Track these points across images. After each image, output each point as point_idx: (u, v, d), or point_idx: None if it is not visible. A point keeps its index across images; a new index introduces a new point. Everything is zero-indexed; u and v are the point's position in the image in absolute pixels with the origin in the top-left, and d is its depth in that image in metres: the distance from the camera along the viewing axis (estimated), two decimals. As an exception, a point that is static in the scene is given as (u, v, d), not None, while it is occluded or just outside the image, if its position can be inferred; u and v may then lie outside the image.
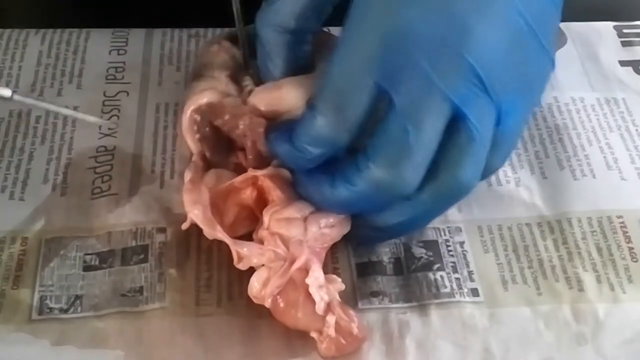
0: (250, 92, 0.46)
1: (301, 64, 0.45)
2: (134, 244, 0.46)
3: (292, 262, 0.42)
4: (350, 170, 0.41)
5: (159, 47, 0.57)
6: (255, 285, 0.42)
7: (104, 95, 0.53)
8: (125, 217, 0.47)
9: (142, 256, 0.46)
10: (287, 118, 0.44)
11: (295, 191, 0.44)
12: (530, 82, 0.42)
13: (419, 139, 0.40)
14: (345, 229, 0.44)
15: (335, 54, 0.41)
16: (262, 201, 0.44)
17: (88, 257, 0.46)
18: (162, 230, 0.47)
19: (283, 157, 0.43)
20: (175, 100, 0.53)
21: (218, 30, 0.58)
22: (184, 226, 0.44)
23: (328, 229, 0.44)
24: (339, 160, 0.42)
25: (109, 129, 0.51)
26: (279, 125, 0.43)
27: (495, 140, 0.42)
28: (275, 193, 0.43)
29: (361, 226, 0.44)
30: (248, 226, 0.45)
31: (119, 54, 0.56)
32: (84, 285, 0.45)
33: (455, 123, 0.40)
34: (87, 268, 0.45)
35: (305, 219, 0.43)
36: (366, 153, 0.40)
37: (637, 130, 0.53)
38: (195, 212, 0.44)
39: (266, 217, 0.43)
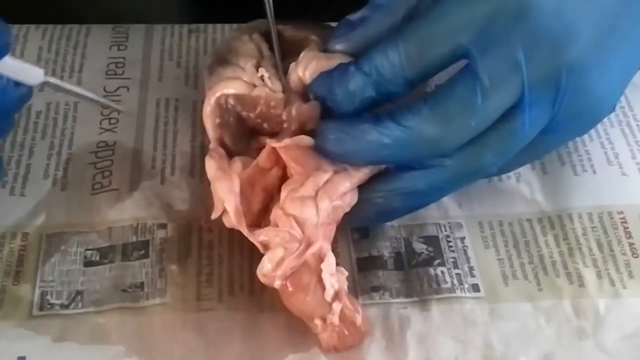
0: (270, 78, 0.45)
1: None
2: (134, 239, 0.46)
3: (308, 245, 0.42)
4: (401, 111, 0.41)
5: (160, 43, 0.57)
6: (267, 266, 0.42)
7: (104, 90, 0.53)
8: (125, 213, 0.47)
9: (142, 252, 0.46)
10: None
11: (313, 162, 0.43)
12: (593, 112, 0.44)
13: (483, 108, 0.40)
14: (354, 198, 0.44)
15: (441, 2, 0.41)
16: (282, 185, 0.44)
17: (89, 253, 0.46)
18: (163, 226, 0.47)
19: (335, 96, 0.42)
20: (176, 95, 0.53)
21: (219, 27, 0.58)
22: (214, 215, 0.43)
23: (339, 200, 0.43)
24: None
25: (110, 124, 0.51)
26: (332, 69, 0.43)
27: (531, 145, 0.43)
28: (293, 167, 0.43)
29: (368, 200, 0.44)
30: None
31: (119, 50, 0.56)
32: (84, 281, 0.45)
33: (514, 110, 0.41)
34: (88, 263, 0.45)
35: (316, 196, 0.42)
36: (425, 100, 0.41)
37: (638, 125, 0.53)
38: (231, 201, 0.43)
39: (283, 193, 0.43)
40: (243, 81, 0.45)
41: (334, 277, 0.42)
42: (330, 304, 0.42)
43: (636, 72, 0.46)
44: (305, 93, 0.44)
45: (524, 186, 0.50)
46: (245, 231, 0.43)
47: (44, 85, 0.43)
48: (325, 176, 0.43)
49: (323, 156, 0.43)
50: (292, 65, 0.45)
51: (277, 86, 0.44)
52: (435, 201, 0.46)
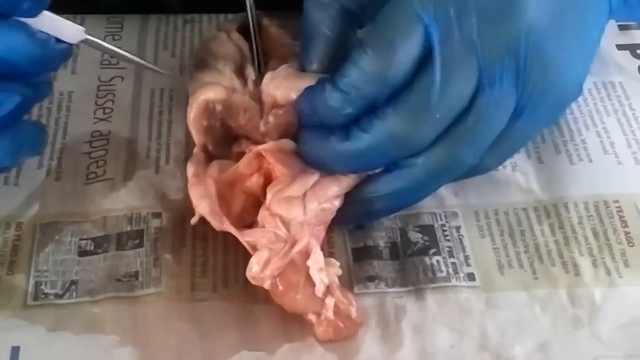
0: (254, 82, 0.45)
1: (342, 51, 0.44)
2: (129, 228, 0.46)
3: (293, 244, 0.42)
4: (368, 118, 0.41)
5: (154, 33, 0.57)
6: (255, 267, 0.42)
7: (99, 80, 0.53)
8: (120, 202, 0.47)
9: (137, 241, 0.46)
10: None
11: (299, 164, 0.43)
12: (558, 94, 0.43)
13: (444, 95, 0.40)
14: (342, 201, 0.44)
15: None
16: (267, 187, 0.44)
17: (83, 242, 0.46)
18: (157, 215, 0.47)
19: (316, 112, 0.42)
20: (171, 85, 0.53)
21: (213, 17, 0.58)
22: (193, 221, 0.44)
23: (328, 203, 0.43)
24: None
25: (104, 113, 0.51)
26: (311, 87, 0.43)
27: (504, 133, 0.42)
28: (279, 169, 0.43)
29: (352, 202, 0.44)
30: (255, 214, 0.44)
31: (114, 40, 0.56)
32: (79, 271, 0.45)
33: (477, 94, 0.41)
34: (82, 253, 0.45)
35: (304, 197, 0.43)
36: (388, 102, 0.41)
37: (633, 114, 0.53)
38: (203, 206, 0.44)
39: (269, 194, 0.43)
40: (222, 86, 0.45)
41: (322, 272, 0.42)
42: (322, 300, 0.42)
43: (596, 50, 0.45)
44: (279, 105, 0.44)
45: (520, 175, 0.50)
46: (232, 230, 0.43)
47: (82, 43, 0.43)
48: (313, 178, 0.43)
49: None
50: (267, 78, 0.45)
51: (258, 91, 0.45)
52: (418, 201, 0.46)
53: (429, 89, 0.40)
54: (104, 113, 0.52)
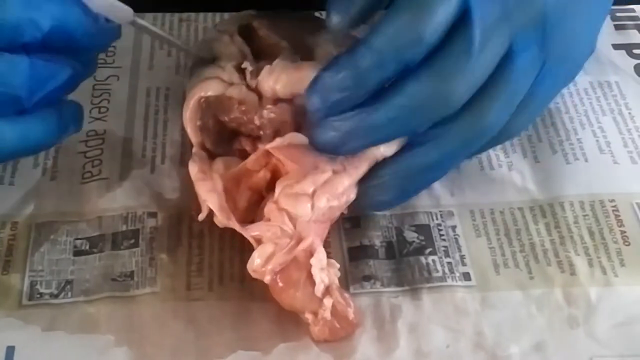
0: (252, 73, 0.45)
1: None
2: (124, 228, 0.46)
3: (299, 241, 0.42)
4: (402, 81, 0.40)
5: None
6: (257, 260, 0.42)
7: (94, 79, 0.53)
8: (115, 202, 0.47)
9: (132, 241, 0.46)
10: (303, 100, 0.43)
11: (310, 160, 0.43)
12: (576, 56, 0.46)
13: (482, 58, 0.40)
14: (352, 195, 0.44)
15: None
16: (274, 183, 0.44)
17: (78, 242, 0.46)
18: (153, 215, 0.47)
19: (342, 84, 0.41)
20: (167, 84, 0.53)
21: (209, 15, 0.58)
22: (201, 217, 0.44)
23: (336, 200, 0.43)
24: None
25: (100, 112, 0.51)
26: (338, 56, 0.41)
27: (528, 96, 0.43)
28: (289, 165, 0.43)
29: (365, 190, 0.44)
30: (261, 211, 0.44)
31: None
32: (74, 270, 0.45)
33: (506, 59, 0.41)
34: (78, 253, 0.45)
35: (313, 194, 0.42)
36: (422, 63, 0.40)
37: (629, 113, 0.53)
38: (213, 201, 0.43)
39: (278, 188, 0.43)
40: (220, 80, 0.45)
41: (324, 272, 0.42)
42: (321, 299, 0.42)
43: (605, 17, 0.49)
44: (277, 100, 0.44)
45: (516, 174, 0.50)
46: (237, 227, 0.43)
47: (131, 24, 0.44)
48: (325, 176, 0.43)
49: (320, 155, 0.43)
50: (264, 72, 0.44)
51: (255, 82, 0.45)
52: (442, 175, 0.45)
53: (467, 50, 0.40)
54: (100, 112, 0.52)
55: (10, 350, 0.41)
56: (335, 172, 0.43)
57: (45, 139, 0.42)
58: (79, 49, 0.42)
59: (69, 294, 0.44)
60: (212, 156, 0.46)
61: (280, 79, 0.44)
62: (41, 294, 0.44)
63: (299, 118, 0.44)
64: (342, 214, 0.46)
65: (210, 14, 0.58)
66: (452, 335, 0.43)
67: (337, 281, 0.42)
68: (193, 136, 0.46)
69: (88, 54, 0.43)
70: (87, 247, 0.45)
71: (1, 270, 0.44)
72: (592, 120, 0.53)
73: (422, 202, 0.48)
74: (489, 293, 0.45)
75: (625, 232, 0.47)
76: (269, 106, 0.44)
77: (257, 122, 0.44)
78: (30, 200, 0.47)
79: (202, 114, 0.45)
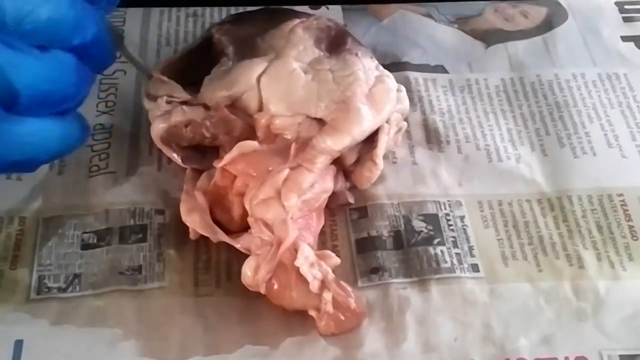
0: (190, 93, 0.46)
1: None
2: (132, 222, 0.46)
3: (279, 244, 0.42)
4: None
5: (157, 27, 0.57)
6: (247, 274, 0.42)
7: (101, 73, 0.53)
8: (123, 196, 0.47)
9: (140, 235, 0.46)
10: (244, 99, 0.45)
11: (264, 163, 0.44)
12: None
13: None
14: (329, 183, 0.44)
15: None
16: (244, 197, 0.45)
17: (86, 236, 0.46)
18: (160, 212, 0.47)
19: None
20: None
21: (216, 10, 0.58)
22: (192, 236, 0.45)
23: (309, 193, 0.43)
24: None
25: (106, 107, 0.51)
26: None
27: None
28: (246, 177, 0.44)
29: None
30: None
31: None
32: (82, 264, 0.45)
33: None
34: (85, 246, 0.45)
35: (279, 195, 0.43)
36: None
37: (638, 106, 0.53)
38: (192, 219, 0.44)
39: (246, 202, 0.43)
40: (161, 115, 0.46)
41: (314, 267, 0.42)
42: (319, 295, 0.42)
43: None
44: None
45: (524, 167, 0.50)
46: (227, 239, 0.44)
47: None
48: (281, 175, 0.43)
49: (271, 157, 0.44)
50: (205, 83, 0.46)
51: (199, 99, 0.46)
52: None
53: None
54: (107, 106, 0.52)
55: (18, 344, 0.41)
56: (292, 169, 0.43)
57: (80, 140, 0.42)
58: (104, 60, 0.42)
59: (77, 287, 0.44)
60: (201, 172, 0.46)
61: (215, 87, 0.45)
62: (49, 288, 0.44)
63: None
64: (348, 203, 0.46)
65: (217, 9, 0.58)
66: (460, 328, 0.43)
67: (331, 272, 0.42)
68: (178, 161, 0.47)
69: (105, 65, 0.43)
70: (95, 241, 0.45)
71: (9, 265, 0.44)
72: (600, 113, 0.53)
73: (430, 191, 0.48)
74: (497, 285, 0.44)
75: (633, 226, 0.47)
76: (211, 113, 0.45)
77: (207, 134, 0.46)
78: (37, 195, 0.47)
79: (169, 144, 0.46)
